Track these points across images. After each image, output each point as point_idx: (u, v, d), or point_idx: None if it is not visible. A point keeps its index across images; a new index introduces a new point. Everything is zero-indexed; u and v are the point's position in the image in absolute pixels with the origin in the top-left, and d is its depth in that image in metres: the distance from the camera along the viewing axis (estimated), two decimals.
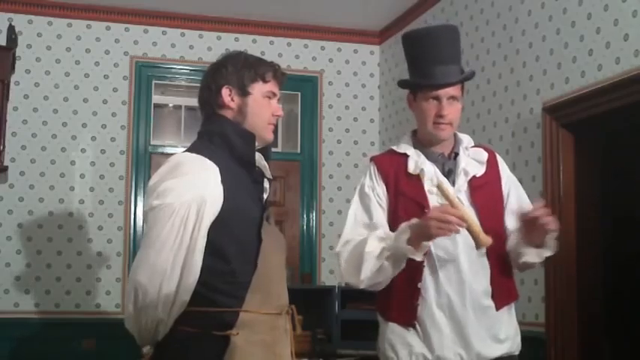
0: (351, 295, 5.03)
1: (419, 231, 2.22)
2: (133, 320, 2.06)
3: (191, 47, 5.57)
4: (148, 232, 2.06)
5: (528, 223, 2.28)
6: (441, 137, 2.43)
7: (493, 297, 2.37)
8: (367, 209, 2.45)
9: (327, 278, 5.58)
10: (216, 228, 2.05)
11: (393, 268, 2.30)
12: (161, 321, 2.04)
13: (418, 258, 2.26)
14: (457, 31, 2.50)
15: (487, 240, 2.22)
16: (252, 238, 2.10)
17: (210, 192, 2.05)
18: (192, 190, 2.03)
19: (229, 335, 2.03)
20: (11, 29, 5.11)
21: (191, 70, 5.58)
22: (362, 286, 2.36)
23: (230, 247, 2.07)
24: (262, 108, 2.22)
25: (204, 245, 2.03)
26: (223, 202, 2.06)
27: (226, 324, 2.04)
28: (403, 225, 2.29)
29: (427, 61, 2.41)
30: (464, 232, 2.29)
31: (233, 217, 2.07)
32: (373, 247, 2.30)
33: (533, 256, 2.37)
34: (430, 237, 2.21)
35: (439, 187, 2.27)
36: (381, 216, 2.43)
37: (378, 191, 2.45)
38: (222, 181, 2.07)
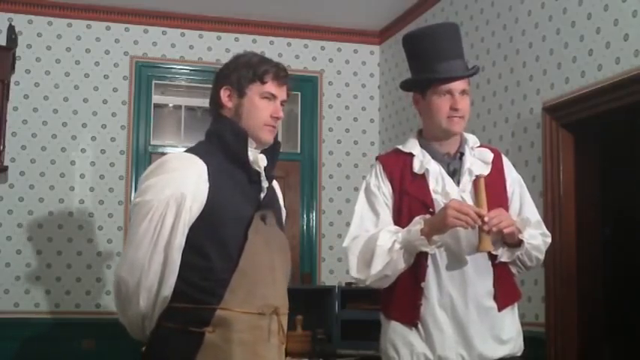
0: (351, 295, 5.03)
1: (434, 221, 2.26)
2: (121, 314, 2.13)
3: (191, 47, 5.57)
4: (130, 228, 2.13)
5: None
6: (454, 131, 2.43)
7: (496, 298, 2.37)
8: (373, 207, 2.45)
9: (327, 278, 5.58)
10: (199, 225, 2.08)
11: (404, 261, 2.31)
12: (145, 316, 2.08)
13: (430, 251, 2.28)
14: (458, 28, 2.53)
15: (489, 246, 2.26)
16: (238, 237, 2.11)
17: (192, 189, 2.07)
18: (172, 187, 2.06)
19: (205, 332, 2.04)
20: (11, 29, 5.11)
21: (191, 70, 5.58)
22: (369, 282, 2.36)
23: (211, 245, 2.09)
24: (257, 109, 2.21)
25: (184, 241, 2.07)
26: (207, 199, 2.08)
27: (202, 321, 2.06)
28: (417, 217, 2.31)
29: (433, 58, 2.41)
30: (468, 232, 2.31)
31: (218, 214, 2.09)
32: (385, 240, 2.32)
33: (504, 255, 2.38)
34: (444, 227, 2.24)
35: (476, 182, 2.30)
36: (387, 213, 2.43)
37: (383, 190, 2.46)
38: (210, 179, 2.10)
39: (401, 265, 2.32)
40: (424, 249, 2.27)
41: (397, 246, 2.30)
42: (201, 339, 2.04)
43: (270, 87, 2.23)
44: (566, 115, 3.68)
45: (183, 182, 2.07)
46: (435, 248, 2.30)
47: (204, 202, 2.08)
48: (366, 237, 2.39)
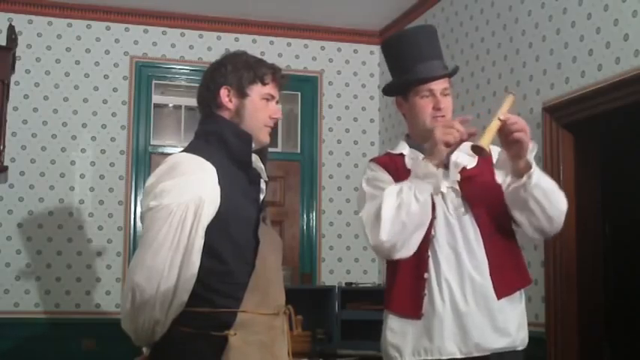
0: (351, 295, 5.04)
1: (428, 148, 2.29)
2: (130, 320, 2.05)
3: (191, 47, 5.58)
4: (146, 233, 2.06)
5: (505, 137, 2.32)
6: None
7: (494, 286, 2.36)
8: (378, 187, 2.42)
9: (327, 278, 5.58)
10: (214, 229, 2.06)
11: (415, 199, 2.25)
12: (158, 321, 2.03)
13: (435, 166, 2.27)
14: (435, 30, 2.56)
15: (485, 143, 2.26)
16: (249, 239, 2.11)
17: (208, 193, 2.05)
18: (190, 190, 2.03)
19: (227, 336, 2.03)
20: (11, 29, 5.11)
21: (191, 70, 5.58)
22: (384, 238, 2.26)
23: (227, 248, 2.07)
24: (259, 110, 2.22)
25: (202, 246, 2.04)
26: (220, 202, 2.07)
27: (224, 324, 2.04)
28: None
29: (412, 60, 2.45)
30: (463, 223, 2.34)
31: (230, 217, 2.08)
32: (390, 189, 2.30)
33: (516, 181, 2.34)
34: (436, 145, 2.26)
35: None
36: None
37: (384, 176, 2.45)
38: (220, 182, 2.08)
39: (413, 206, 2.25)
40: (430, 165, 2.26)
41: (405, 187, 2.27)
42: (225, 343, 2.03)
43: (270, 88, 2.24)
44: (566, 115, 3.68)
45: (201, 186, 2.05)
46: (438, 166, 2.28)
47: (218, 205, 2.06)
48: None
